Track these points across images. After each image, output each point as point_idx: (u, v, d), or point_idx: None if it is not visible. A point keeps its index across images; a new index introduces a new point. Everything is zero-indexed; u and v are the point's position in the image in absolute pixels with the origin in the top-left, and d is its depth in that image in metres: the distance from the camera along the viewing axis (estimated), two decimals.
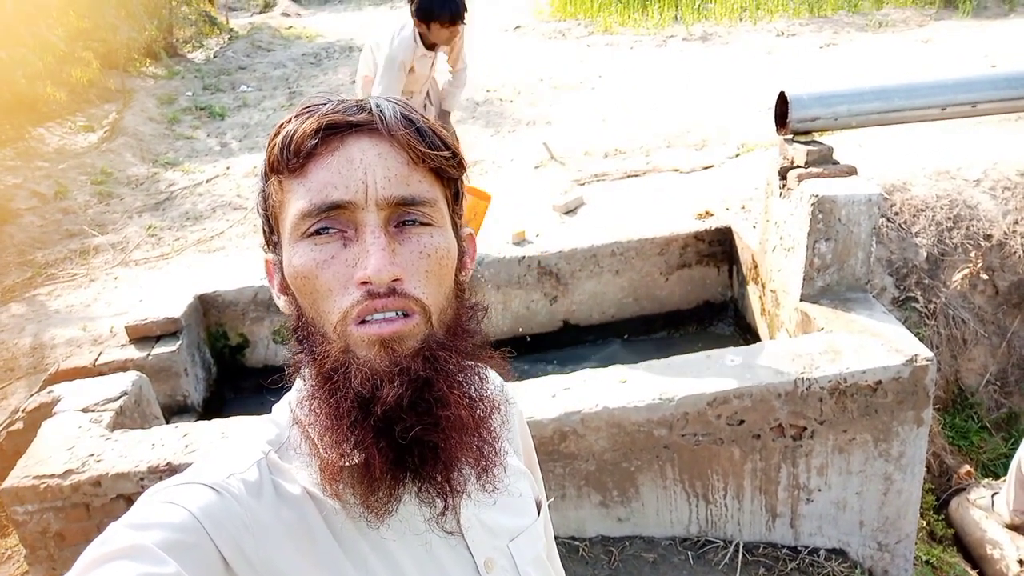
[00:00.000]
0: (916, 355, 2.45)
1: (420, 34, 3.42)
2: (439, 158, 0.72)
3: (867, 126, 2.89)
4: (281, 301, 0.79)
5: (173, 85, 8.68)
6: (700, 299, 3.68)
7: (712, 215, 3.79)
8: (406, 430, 0.68)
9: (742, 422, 2.44)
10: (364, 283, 0.68)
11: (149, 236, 5.24)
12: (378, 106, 0.72)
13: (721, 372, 2.46)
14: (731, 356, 2.54)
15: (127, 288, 4.32)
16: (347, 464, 0.70)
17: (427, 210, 0.72)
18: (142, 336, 3.25)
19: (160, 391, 3.09)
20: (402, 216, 0.71)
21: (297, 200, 0.71)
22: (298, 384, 0.79)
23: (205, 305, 3.48)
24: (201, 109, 7.97)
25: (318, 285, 0.70)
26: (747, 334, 3.44)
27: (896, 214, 4.39)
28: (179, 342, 3.22)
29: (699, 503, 2.57)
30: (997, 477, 3.89)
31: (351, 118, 0.70)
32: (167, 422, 2.96)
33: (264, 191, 0.76)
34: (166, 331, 3.25)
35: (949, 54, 6.96)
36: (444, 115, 3.85)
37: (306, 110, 0.73)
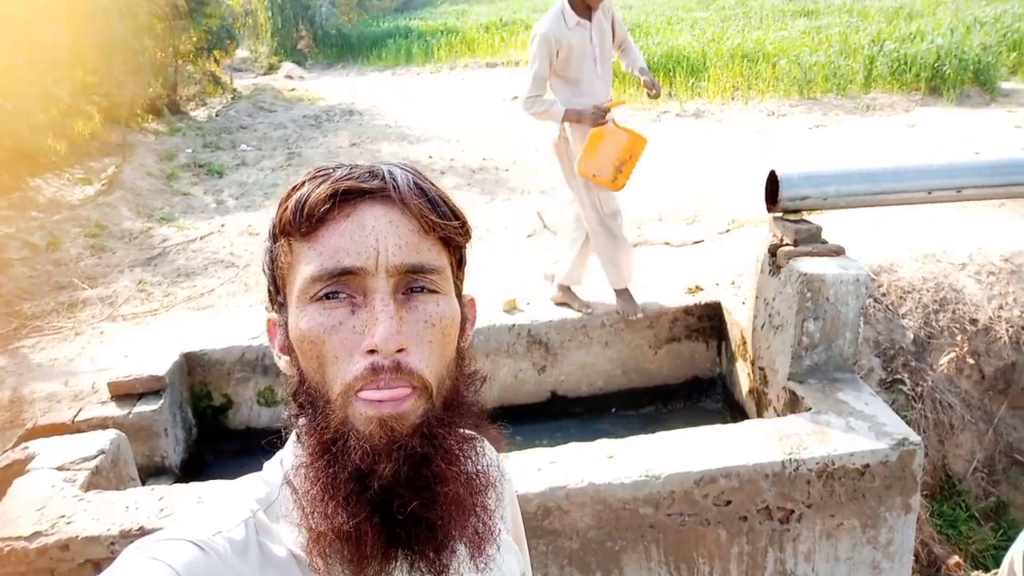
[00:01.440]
0: (904, 439, 2.43)
1: (567, 8, 3.47)
2: (449, 227, 0.74)
3: (855, 207, 2.95)
4: (282, 361, 0.78)
5: (174, 141, 8.79)
6: (688, 374, 3.67)
7: (702, 290, 3.81)
8: (403, 506, 0.67)
9: (729, 503, 2.41)
10: (371, 351, 0.68)
11: (139, 291, 5.21)
12: (391, 174, 0.73)
13: (708, 450, 2.44)
14: (719, 434, 2.52)
15: (112, 343, 4.28)
16: (338, 536, 0.68)
17: (435, 278, 0.72)
18: (124, 393, 3.20)
19: (138, 451, 3.03)
20: (410, 283, 0.72)
21: (307, 263, 0.71)
22: (291, 445, 0.78)
23: (190, 363, 3.45)
24: (200, 166, 8.05)
25: (325, 350, 0.70)
26: (735, 411, 3.42)
27: (883, 295, 4.43)
28: (161, 400, 3.17)
29: None
30: (987, 570, 3.82)
31: (364, 185, 0.71)
32: (143, 484, 2.90)
33: (272, 251, 0.77)
34: (149, 389, 3.21)
35: (934, 139, 7.15)
36: (644, 71, 3.82)
37: (319, 174, 0.74)
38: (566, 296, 3.77)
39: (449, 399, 0.73)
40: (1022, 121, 7.66)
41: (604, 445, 2.52)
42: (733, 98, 9.27)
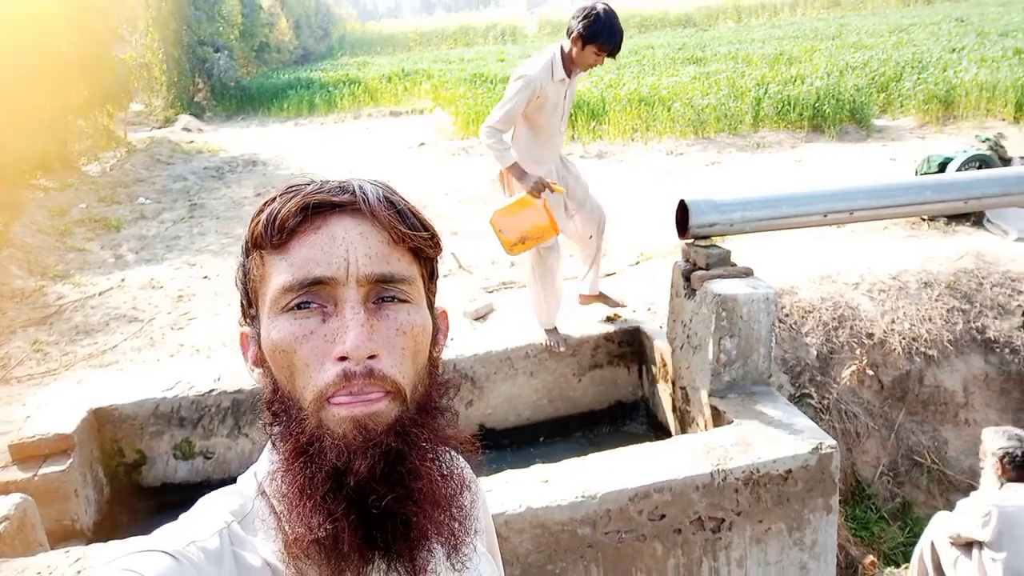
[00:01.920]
0: (821, 443, 2.56)
1: (567, 57, 3.54)
2: (418, 238, 0.76)
3: (759, 231, 3.12)
4: (254, 374, 0.79)
5: (66, 197, 8.42)
6: (613, 399, 3.75)
7: (620, 317, 3.92)
8: (379, 500, 0.68)
9: (663, 516, 2.46)
10: (342, 358, 0.69)
11: (35, 351, 4.93)
12: (361, 188, 0.75)
13: (641, 467, 2.50)
14: (649, 451, 2.59)
15: (8, 405, 4.02)
16: (315, 539, 0.68)
17: (405, 287, 0.74)
18: (28, 455, 3.01)
19: (46, 515, 2.85)
20: (381, 293, 0.73)
21: (279, 275, 0.73)
22: (266, 454, 0.78)
23: (100, 420, 3.28)
24: (96, 221, 7.73)
25: (296, 359, 0.71)
26: (659, 432, 3.51)
27: (787, 316, 4.67)
28: (69, 460, 3.00)
29: None
30: (898, 566, 4.02)
31: (335, 198, 0.73)
32: (52, 549, 2.71)
33: (245, 265, 0.78)
34: (56, 449, 3.03)
35: (820, 172, 7.64)
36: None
37: (290, 189, 0.76)
38: (599, 299, 3.94)
39: (423, 404, 0.75)
40: (896, 154, 8.29)
41: (539, 470, 2.54)
42: (633, 139, 9.66)
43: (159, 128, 13.15)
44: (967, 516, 3.13)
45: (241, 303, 0.80)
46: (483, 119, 11.47)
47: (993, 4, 23.19)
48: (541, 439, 3.65)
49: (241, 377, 3.47)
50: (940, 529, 3.33)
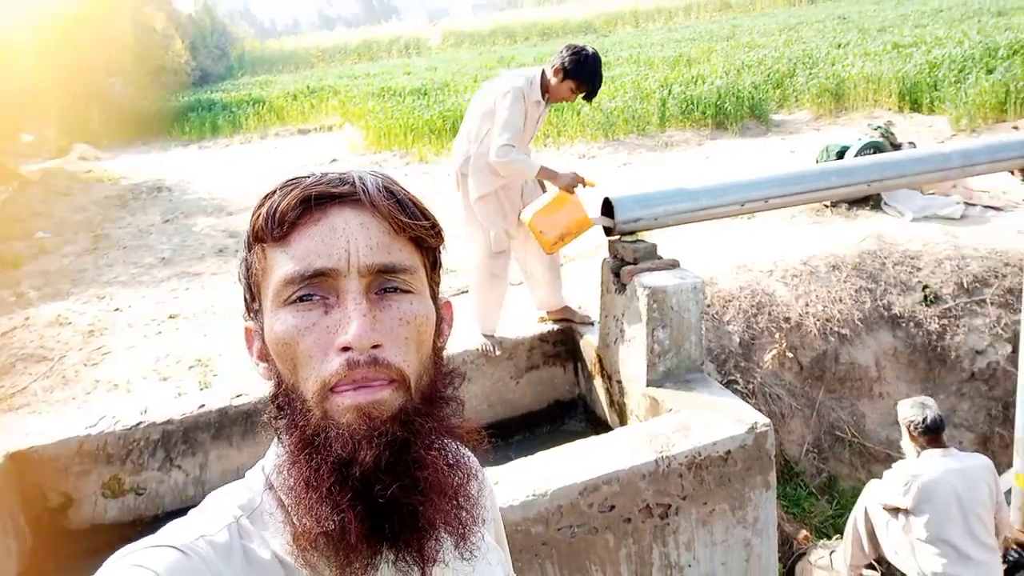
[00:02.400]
0: (756, 423, 2.67)
1: (545, 84, 3.56)
2: (419, 227, 0.75)
3: (682, 223, 3.22)
4: (260, 368, 0.78)
5: None
6: (551, 398, 3.80)
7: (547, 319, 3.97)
8: (385, 489, 0.68)
9: (613, 507, 2.51)
10: (345, 349, 0.69)
11: None
12: (361, 178, 0.75)
13: (587, 461, 2.54)
14: (595, 445, 2.63)
15: None
16: (323, 531, 0.68)
17: (407, 277, 0.74)
18: None
19: None
20: (383, 283, 0.73)
21: (280, 268, 0.72)
22: (273, 448, 0.78)
23: (18, 464, 3.10)
24: None
25: (299, 351, 0.71)
26: (599, 427, 3.57)
27: (709, 306, 4.83)
28: None
29: None
30: (829, 538, 4.20)
31: (334, 190, 0.73)
32: None
33: (247, 260, 0.77)
34: None
35: (726, 167, 7.93)
36: None
37: (290, 183, 0.75)
38: (565, 313, 3.92)
39: (428, 394, 0.74)
40: (795, 146, 8.69)
41: (488, 473, 2.55)
42: (545, 145, 9.79)
43: (53, 159, 12.53)
44: (891, 485, 3.31)
45: (244, 297, 0.79)
46: (394, 132, 11.34)
47: (869, 2, 24.62)
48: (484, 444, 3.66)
49: (170, 408, 3.35)
50: (872, 497, 3.51)
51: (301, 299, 0.71)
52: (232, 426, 3.31)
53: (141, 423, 3.21)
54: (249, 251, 0.77)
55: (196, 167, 11.47)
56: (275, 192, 0.75)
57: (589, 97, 3.66)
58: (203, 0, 27.82)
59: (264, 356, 0.77)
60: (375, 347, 0.69)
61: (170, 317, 5.52)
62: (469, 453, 0.85)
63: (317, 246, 0.71)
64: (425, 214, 0.77)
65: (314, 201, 0.72)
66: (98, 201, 9.45)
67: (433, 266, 0.81)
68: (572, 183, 3.50)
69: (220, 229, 7.99)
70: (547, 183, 3.69)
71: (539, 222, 3.43)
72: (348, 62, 27.90)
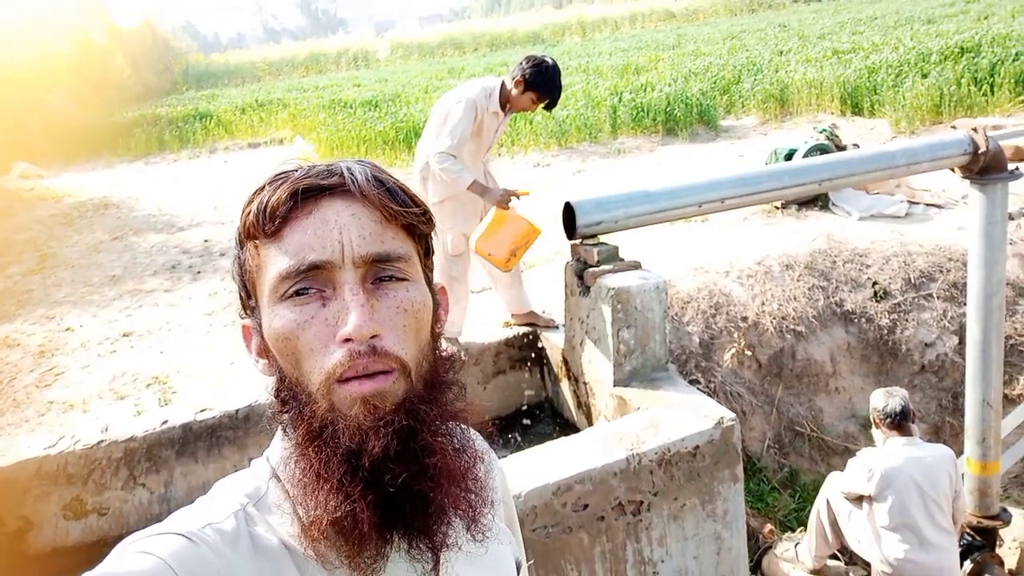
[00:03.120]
0: (722, 418, 2.73)
1: (505, 95, 3.58)
2: (410, 215, 0.76)
3: (642, 225, 3.28)
4: (259, 365, 0.78)
5: None
6: (518, 402, 3.81)
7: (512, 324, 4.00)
8: (395, 478, 0.68)
9: (586, 506, 2.54)
10: (346, 340, 0.69)
11: None
12: (349, 169, 0.75)
13: (559, 462, 2.56)
14: (566, 445, 2.66)
15: None
16: (334, 521, 0.68)
17: (402, 265, 0.74)
18: None
19: None
20: (378, 272, 0.73)
21: (275, 263, 0.72)
22: (278, 440, 0.78)
23: None
24: None
25: (299, 346, 0.71)
26: (567, 428, 3.59)
27: (669, 307, 4.91)
28: None
29: None
30: (793, 530, 4.30)
31: (323, 181, 0.73)
32: None
33: (240, 257, 0.77)
34: None
35: (678, 172, 8.07)
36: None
37: (279, 177, 0.75)
38: (528, 316, 3.94)
39: (429, 380, 0.75)
40: (743, 150, 8.89)
41: None
42: (499, 154, 9.83)
43: None
44: (854, 473, 3.41)
45: (240, 295, 0.79)
46: (347, 144, 11.25)
47: (807, 11, 25.34)
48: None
49: (131, 425, 3.28)
50: (834, 488, 3.60)
51: (298, 293, 0.71)
52: (196, 442, 3.25)
53: (102, 442, 3.13)
54: (241, 249, 0.77)
55: (143, 183, 11.23)
56: (264, 188, 0.75)
57: (550, 107, 3.71)
58: (144, 14, 27.30)
59: (263, 352, 0.77)
60: (374, 336, 0.70)
61: (124, 335, 5.40)
62: (476, 435, 0.87)
63: (310, 239, 0.71)
64: (415, 201, 0.77)
65: (304, 194, 0.73)
66: (42, 220, 9.19)
67: (426, 253, 0.81)
68: (503, 199, 3.54)
69: (172, 245, 7.84)
70: None
71: (485, 246, 3.47)
72: (296, 75, 27.63)
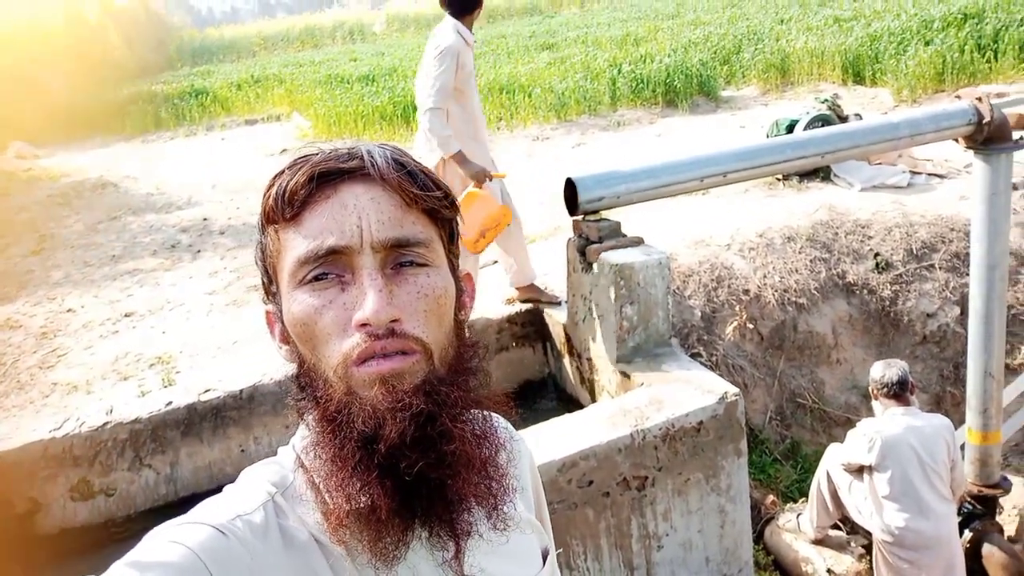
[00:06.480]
0: (726, 392, 2.73)
1: (463, 26, 3.61)
2: (431, 199, 0.74)
3: (644, 200, 3.26)
4: (283, 351, 0.77)
5: None
6: (521, 378, 3.82)
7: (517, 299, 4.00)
8: (411, 466, 0.67)
9: (591, 482, 2.55)
10: (363, 325, 0.68)
11: None
12: (369, 152, 0.74)
13: (564, 438, 2.58)
14: (571, 422, 2.67)
15: None
16: (353, 508, 0.68)
17: (423, 251, 0.73)
18: None
19: None
20: (398, 258, 0.72)
21: (294, 248, 0.72)
22: (301, 430, 0.77)
23: None
24: None
25: (317, 330, 0.70)
26: (571, 404, 3.60)
27: (670, 282, 4.90)
28: None
29: (563, 571, 2.61)
30: (795, 501, 4.33)
31: (343, 165, 0.72)
32: None
33: (261, 243, 0.77)
34: None
35: (679, 144, 8.03)
36: None
37: (299, 161, 0.74)
38: (531, 291, 3.93)
39: (453, 366, 0.74)
40: (744, 121, 8.83)
41: None
42: (498, 128, 9.77)
43: None
44: (855, 444, 3.42)
45: (262, 281, 0.79)
46: (344, 120, 11.17)
47: None
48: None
49: (136, 407, 3.29)
50: (833, 459, 3.62)
51: (317, 278, 0.71)
52: (202, 422, 3.26)
53: (108, 423, 3.14)
54: (263, 234, 0.76)
55: (140, 162, 11.17)
56: (283, 172, 0.74)
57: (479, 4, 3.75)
58: None
59: (286, 339, 0.76)
60: (393, 322, 0.69)
61: (125, 315, 5.40)
62: (501, 422, 0.86)
63: (329, 224, 0.70)
64: (437, 184, 0.76)
65: (324, 178, 0.72)
66: (40, 201, 9.15)
67: (450, 238, 0.80)
68: (479, 176, 3.53)
69: (170, 224, 7.83)
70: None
71: None
72: (291, 50, 27.32)
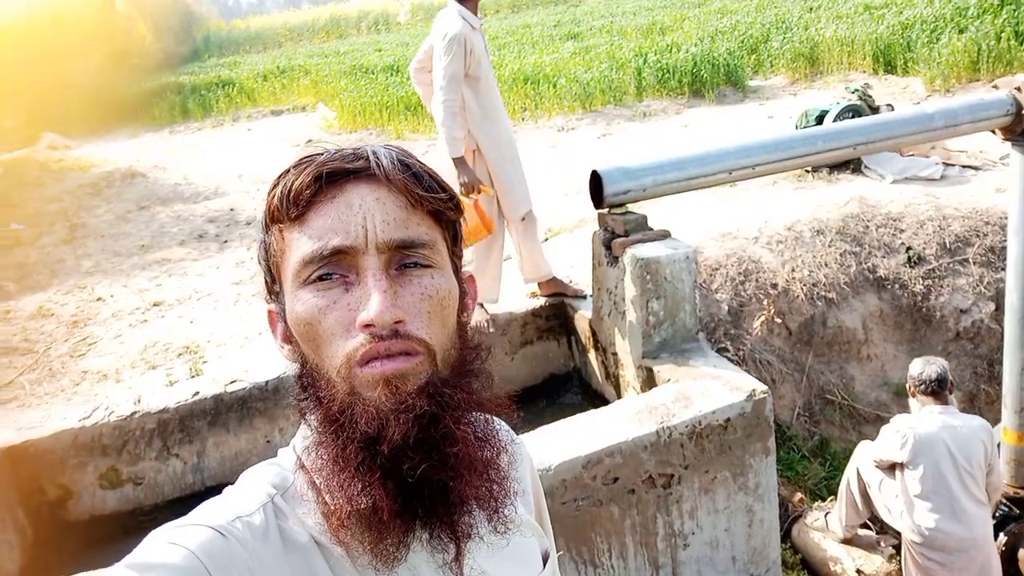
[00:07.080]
0: (754, 390, 2.69)
1: (467, 11, 3.58)
2: (436, 200, 0.74)
3: (671, 193, 3.22)
4: (285, 351, 0.77)
5: None
6: (546, 372, 3.81)
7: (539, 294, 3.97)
8: (413, 468, 0.67)
9: (616, 479, 2.53)
10: (367, 326, 0.68)
11: None
12: (375, 153, 0.73)
13: (589, 434, 2.56)
14: (596, 418, 2.64)
15: None
16: (355, 510, 0.68)
17: (427, 252, 0.73)
18: None
19: None
20: (403, 259, 0.72)
21: (298, 248, 0.71)
22: (303, 431, 0.77)
23: (14, 459, 3.07)
24: None
25: (321, 331, 0.70)
26: (595, 400, 3.58)
27: (697, 275, 4.85)
28: None
29: (587, 569, 2.60)
30: (824, 499, 4.28)
31: (348, 165, 0.72)
32: None
33: (265, 242, 0.76)
34: None
35: (706, 134, 7.93)
36: None
37: (304, 160, 0.74)
38: (554, 286, 3.87)
39: (456, 368, 0.74)
40: (772, 111, 8.70)
41: None
42: (523, 119, 9.72)
43: (18, 150, 12.26)
44: (888, 440, 3.36)
45: (265, 280, 0.78)
46: (369, 110, 11.17)
47: None
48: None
49: (164, 396, 3.32)
50: (864, 457, 3.56)
51: (321, 278, 0.70)
52: (228, 413, 3.29)
53: (136, 413, 3.18)
54: (266, 233, 0.76)
55: (168, 152, 11.28)
56: (289, 171, 0.74)
57: None
58: None
59: (288, 338, 0.76)
60: (397, 323, 0.69)
61: (154, 305, 5.46)
62: (503, 425, 0.85)
63: (334, 224, 0.70)
64: (442, 186, 0.76)
65: (329, 178, 0.71)
66: (71, 190, 9.27)
67: (454, 240, 0.79)
68: (469, 186, 3.49)
69: (198, 214, 7.90)
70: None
71: None
72: (316, 40, 27.42)
